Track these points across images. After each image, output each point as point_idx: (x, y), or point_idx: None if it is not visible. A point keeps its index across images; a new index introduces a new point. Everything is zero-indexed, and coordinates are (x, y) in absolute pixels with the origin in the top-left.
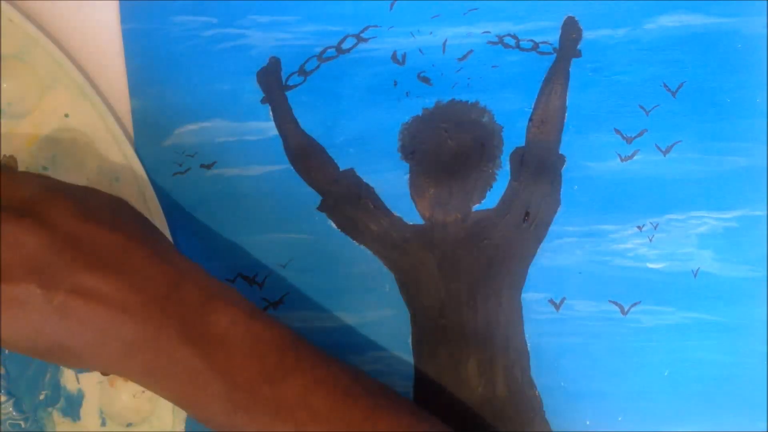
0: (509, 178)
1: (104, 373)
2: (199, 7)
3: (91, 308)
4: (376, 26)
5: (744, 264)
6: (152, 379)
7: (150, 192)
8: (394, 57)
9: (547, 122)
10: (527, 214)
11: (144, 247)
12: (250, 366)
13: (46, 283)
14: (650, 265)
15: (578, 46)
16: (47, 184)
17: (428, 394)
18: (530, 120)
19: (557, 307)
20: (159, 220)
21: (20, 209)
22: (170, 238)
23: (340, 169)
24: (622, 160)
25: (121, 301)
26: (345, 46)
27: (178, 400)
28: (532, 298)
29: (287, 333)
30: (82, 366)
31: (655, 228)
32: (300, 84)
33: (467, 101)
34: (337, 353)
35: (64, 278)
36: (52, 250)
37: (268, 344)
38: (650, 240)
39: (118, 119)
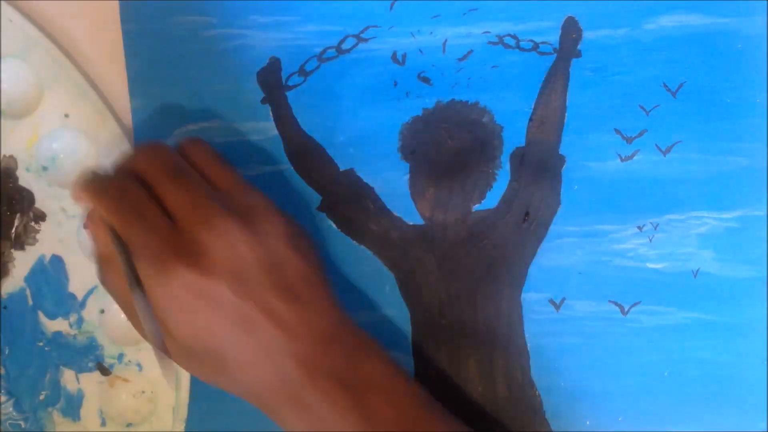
0: (509, 178)
1: (237, 393)
2: (199, 7)
3: (267, 328)
4: (376, 26)
5: (744, 264)
6: (289, 411)
7: None
8: (394, 57)
9: (547, 122)
10: (527, 214)
11: (324, 284)
12: (391, 417)
13: (239, 291)
14: (650, 265)
15: (578, 46)
16: (266, 201)
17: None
18: (530, 120)
19: (557, 307)
20: None
21: (244, 215)
22: None
23: (340, 169)
24: (622, 160)
25: (295, 331)
26: (345, 46)
27: None
28: (532, 298)
29: (424, 391)
30: (217, 380)
31: (655, 228)
32: (300, 84)
33: (467, 101)
34: None
35: (257, 293)
36: (257, 264)
37: (410, 398)
38: (650, 240)
39: (118, 119)
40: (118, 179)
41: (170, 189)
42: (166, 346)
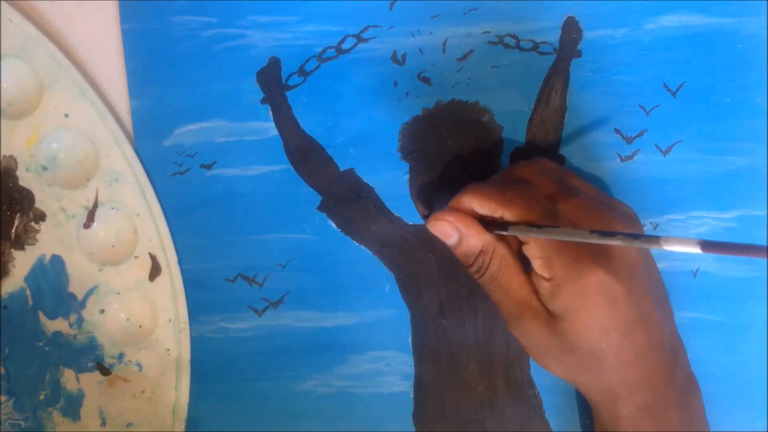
0: None
1: (591, 391)
2: (199, 7)
3: (642, 332)
4: (376, 26)
5: (744, 264)
6: (645, 413)
7: (150, 192)
8: (394, 57)
9: (547, 122)
10: None
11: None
12: (701, 413)
13: (633, 294)
14: None
15: (578, 46)
16: (646, 254)
17: (428, 394)
18: (530, 120)
19: None
20: (159, 220)
21: (630, 221)
22: (171, 240)
23: (340, 169)
24: (622, 160)
25: (660, 336)
26: (345, 46)
27: None
28: None
29: None
30: (581, 378)
31: (655, 228)
32: (300, 84)
33: (467, 101)
34: (337, 353)
35: (641, 297)
36: (641, 268)
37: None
38: None
39: (118, 119)
40: (510, 185)
41: (564, 195)
42: (543, 341)
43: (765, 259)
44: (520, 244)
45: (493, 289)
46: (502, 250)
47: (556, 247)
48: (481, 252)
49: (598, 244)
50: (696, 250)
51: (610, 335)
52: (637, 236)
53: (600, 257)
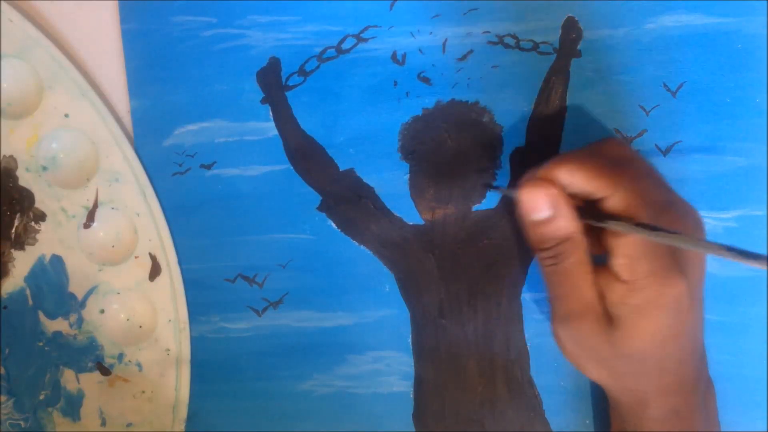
0: (509, 178)
1: (628, 394)
2: (199, 7)
3: (688, 340)
4: (376, 26)
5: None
6: (674, 414)
7: (150, 192)
8: (394, 57)
9: (547, 122)
10: None
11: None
12: (716, 413)
13: (692, 302)
14: None
15: (578, 46)
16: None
17: (428, 394)
18: (530, 120)
19: None
20: (159, 220)
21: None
22: (171, 240)
23: (340, 169)
24: None
25: (695, 342)
26: (345, 46)
27: None
28: (532, 298)
29: None
30: (627, 382)
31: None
32: (300, 84)
33: (467, 101)
34: (337, 353)
35: (693, 305)
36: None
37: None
38: None
39: (118, 119)
40: (621, 165)
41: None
42: (595, 345)
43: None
44: (597, 236)
45: (560, 282)
46: (585, 244)
47: (647, 250)
48: (568, 240)
49: (685, 251)
50: None
51: (668, 343)
52: (756, 256)
53: (686, 267)
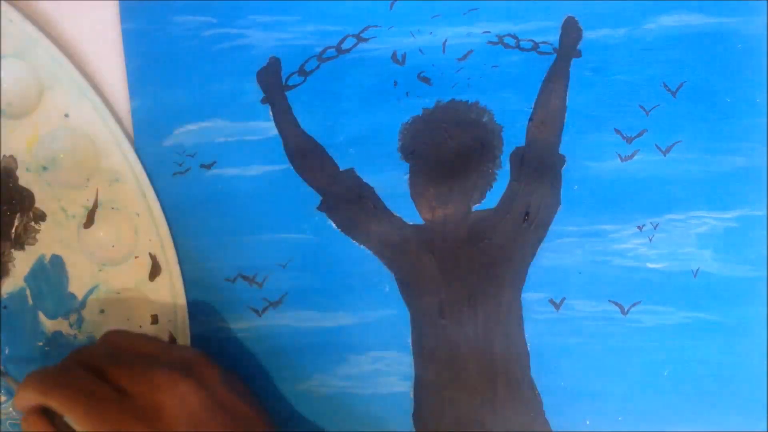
0: (509, 178)
1: None
2: (199, 7)
3: None
4: (376, 26)
5: (744, 264)
6: None
7: (150, 192)
8: (394, 57)
9: (547, 122)
10: (527, 214)
11: (264, 422)
12: None
13: None
14: (650, 265)
15: (578, 46)
16: (195, 351)
17: (428, 394)
18: (530, 120)
19: (557, 307)
20: (159, 220)
21: (183, 369)
22: (171, 240)
23: (340, 169)
24: (622, 160)
25: None
26: (345, 46)
27: None
28: (532, 298)
29: None
30: None
31: (655, 228)
32: (300, 84)
33: (467, 101)
34: (337, 353)
35: None
36: (208, 410)
37: None
38: (650, 240)
39: (118, 119)
40: (63, 371)
41: (117, 368)
42: None
43: (765, 259)
44: None
45: None
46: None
47: (100, 417)
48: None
49: (143, 403)
50: None
51: None
52: None
53: (146, 417)
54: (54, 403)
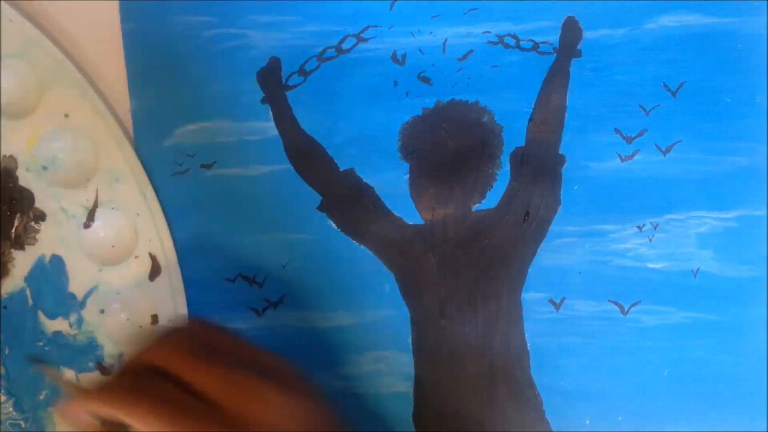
0: (509, 178)
1: None
2: (199, 7)
3: None
4: (376, 26)
5: (744, 264)
6: None
7: (150, 192)
8: (394, 57)
9: (547, 122)
10: (527, 214)
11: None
12: None
13: None
14: (650, 265)
15: (578, 46)
16: (282, 359)
17: (428, 394)
18: (530, 120)
19: (557, 307)
20: (159, 220)
21: (275, 379)
22: (171, 240)
23: (340, 169)
24: (622, 160)
25: None
26: (345, 46)
27: None
28: (532, 298)
29: None
30: None
31: (655, 228)
32: (300, 84)
33: (467, 101)
34: (337, 353)
35: None
36: (296, 425)
37: None
38: (650, 240)
39: (118, 119)
40: (129, 382)
41: (202, 372)
42: None
43: (765, 259)
44: None
45: None
46: None
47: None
48: None
49: (234, 413)
50: None
51: None
52: None
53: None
54: (131, 419)
